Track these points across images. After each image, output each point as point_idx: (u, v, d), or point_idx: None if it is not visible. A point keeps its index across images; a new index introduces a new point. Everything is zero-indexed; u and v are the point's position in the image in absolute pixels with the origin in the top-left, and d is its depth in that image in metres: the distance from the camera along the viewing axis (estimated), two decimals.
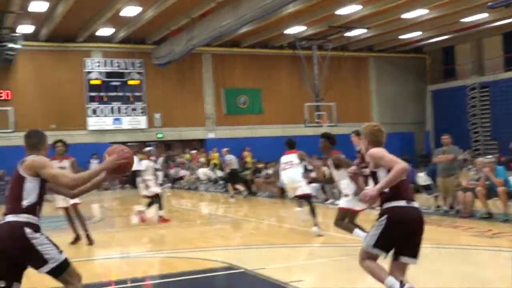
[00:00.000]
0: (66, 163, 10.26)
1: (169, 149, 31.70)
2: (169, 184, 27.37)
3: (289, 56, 31.83)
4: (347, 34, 29.68)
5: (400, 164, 4.73)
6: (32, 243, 4.48)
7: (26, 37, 26.86)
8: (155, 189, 13.75)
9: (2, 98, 27.48)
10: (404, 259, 4.84)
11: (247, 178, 21.80)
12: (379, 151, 4.92)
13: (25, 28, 26.46)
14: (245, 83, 32.26)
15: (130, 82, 30.24)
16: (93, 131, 29.40)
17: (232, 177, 20.61)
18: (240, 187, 20.47)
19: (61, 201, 10.47)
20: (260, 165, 23.50)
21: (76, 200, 10.21)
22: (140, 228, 13.21)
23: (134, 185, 27.61)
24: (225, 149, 21.46)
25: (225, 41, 29.89)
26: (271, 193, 19.58)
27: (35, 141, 4.90)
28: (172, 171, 28.31)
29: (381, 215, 4.85)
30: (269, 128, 31.76)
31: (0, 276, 4.49)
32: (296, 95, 32.25)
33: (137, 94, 30.33)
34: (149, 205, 13.84)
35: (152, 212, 14.08)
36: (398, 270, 4.86)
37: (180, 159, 29.56)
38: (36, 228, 4.58)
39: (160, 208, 13.64)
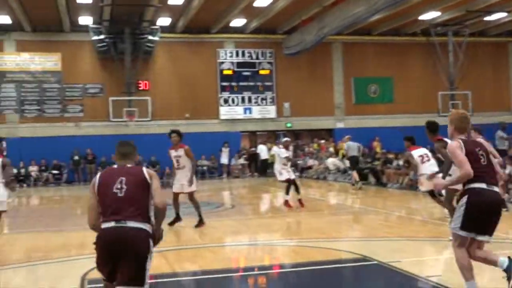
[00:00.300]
0: (181, 151, 10.95)
1: (298, 138, 31.86)
2: (297, 174, 27.50)
3: (422, 43, 30.75)
4: (486, 18, 28.14)
5: (464, 170, 5.07)
6: (147, 258, 4.34)
7: (164, 29, 28.18)
8: (287, 175, 14.03)
9: (141, 88, 28.98)
10: (481, 237, 5.21)
11: (377, 168, 21.45)
12: (455, 150, 5.16)
13: (163, 21, 27.75)
14: (376, 71, 31.60)
15: (261, 72, 30.71)
16: (224, 120, 30.23)
17: (352, 164, 20.50)
18: (355, 175, 20.00)
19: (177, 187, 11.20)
20: (390, 156, 22.97)
21: (193, 188, 10.99)
22: (269, 216, 13.46)
23: (263, 174, 28.23)
24: (346, 136, 21.39)
25: (356, 29, 29.40)
26: (402, 184, 19.13)
27: (128, 151, 4.87)
28: (300, 161, 28.46)
29: (461, 195, 5.21)
30: (399, 118, 30.92)
31: (113, 278, 4.37)
32: (429, 84, 31.12)
33: (267, 83, 30.74)
34: (287, 191, 13.98)
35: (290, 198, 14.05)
36: (474, 246, 5.26)
37: (308, 149, 29.61)
38: None
39: (287, 193, 13.97)
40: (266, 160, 27.57)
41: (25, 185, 23.87)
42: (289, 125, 31.04)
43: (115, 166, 4.88)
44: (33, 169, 27.46)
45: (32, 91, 28.29)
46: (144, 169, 4.70)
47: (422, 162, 10.82)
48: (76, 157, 27.96)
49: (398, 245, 8.86)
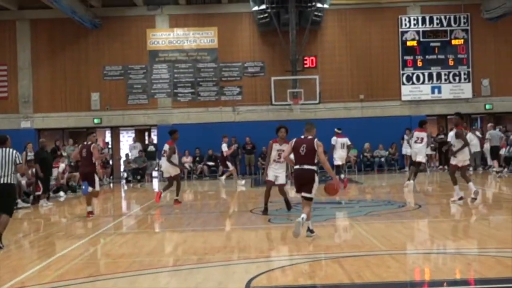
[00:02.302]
0: (284, 146, 13.07)
1: (500, 122, 30.44)
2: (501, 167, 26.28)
3: None
4: None
5: None
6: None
7: None
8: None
9: (307, 66, 29.32)
10: None
11: None
12: None
13: None
14: None
15: (453, 42, 29.75)
16: (407, 102, 29.73)
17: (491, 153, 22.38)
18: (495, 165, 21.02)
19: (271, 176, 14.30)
20: None
21: (283, 181, 14.27)
22: (464, 218, 13.03)
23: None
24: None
25: None
26: None
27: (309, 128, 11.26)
28: (503, 151, 27.07)
29: None
30: None
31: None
32: None
33: (460, 56, 29.72)
34: None
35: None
36: None
37: None
38: None
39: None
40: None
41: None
42: (489, 106, 29.75)
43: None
44: (187, 160, 28.90)
45: (186, 72, 29.82)
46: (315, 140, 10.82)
47: None
48: (234, 147, 28.98)
49: None
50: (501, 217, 12.90)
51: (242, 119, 29.49)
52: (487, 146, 26.44)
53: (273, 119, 28.70)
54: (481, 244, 9.98)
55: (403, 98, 29.74)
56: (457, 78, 29.72)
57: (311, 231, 10.52)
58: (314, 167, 10.62)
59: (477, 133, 26.76)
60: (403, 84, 29.70)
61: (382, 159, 29.15)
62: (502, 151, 26.12)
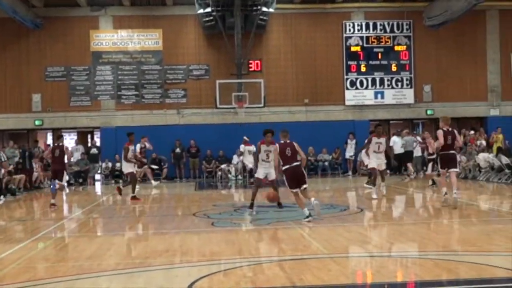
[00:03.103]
0: (272, 148, 14.66)
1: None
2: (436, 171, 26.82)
3: None
4: None
5: None
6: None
7: None
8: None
9: (252, 69, 29.38)
10: None
11: None
12: None
13: None
14: None
15: (396, 48, 30.27)
16: (351, 107, 30.11)
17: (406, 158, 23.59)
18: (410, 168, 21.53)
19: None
20: None
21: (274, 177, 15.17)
22: (405, 222, 13.27)
23: (397, 171, 27.78)
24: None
25: None
26: None
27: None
28: None
29: None
30: None
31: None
32: None
33: (403, 62, 30.27)
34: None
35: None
36: None
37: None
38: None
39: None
40: (400, 154, 27.01)
41: (121, 181, 25.02)
42: (430, 112, 30.36)
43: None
44: None
45: (130, 74, 29.57)
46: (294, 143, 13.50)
47: None
48: (178, 150, 28.90)
49: None
50: (438, 221, 13.18)
51: (187, 122, 29.41)
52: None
53: (217, 122, 28.79)
54: (421, 247, 10.16)
55: (347, 102, 30.10)
56: (399, 84, 30.24)
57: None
58: (299, 163, 13.43)
59: (418, 138, 27.17)
60: (347, 89, 30.07)
61: (326, 163, 29.45)
62: None
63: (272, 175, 15.18)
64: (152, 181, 23.21)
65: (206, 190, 24.72)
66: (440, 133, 14.95)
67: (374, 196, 17.56)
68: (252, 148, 24.43)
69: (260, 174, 15.29)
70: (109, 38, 29.59)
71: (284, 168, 13.35)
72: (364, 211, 15.18)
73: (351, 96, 30.12)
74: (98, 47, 29.51)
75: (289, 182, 13.31)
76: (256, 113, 28.89)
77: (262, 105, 28.38)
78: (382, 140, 18.25)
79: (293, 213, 14.72)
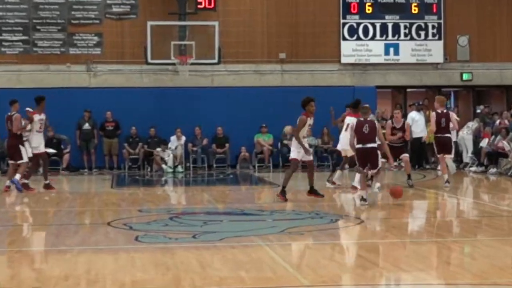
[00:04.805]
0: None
1: (482, 101, 31.33)
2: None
3: None
4: None
5: None
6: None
7: None
8: None
9: (202, 7, 29.16)
10: None
11: None
12: None
13: None
14: None
15: None
16: (349, 66, 30.16)
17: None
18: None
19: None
20: None
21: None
22: (425, 239, 13.35)
23: (419, 162, 27.95)
24: None
25: None
26: None
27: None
28: (484, 143, 27.77)
29: None
30: None
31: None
32: None
33: (428, 1, 30.34)
34: None
35: None
36: None
37: (502, 121, 28.95)
38: None
39: None
40: (420, 139, 27.06)
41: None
42: (466, 76, 30.53)
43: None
44: None
45: (15, 10, 29.23)
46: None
47: None
48: (87, 126, 28.69)
49: None
50: (475, 239, 13.23)
51: (101, 83, 29.23)
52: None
53: (148, 86, 28.67)
54: (451, 277, 10.21)
55: (344, 60, 30.15)
56: (422, 34, 30.34)
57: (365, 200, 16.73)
58: (375, 145, 17.16)
59: (453, 115, 27.08)
60: (344, 39, 30.09)
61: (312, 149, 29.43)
62: (483, 143, 26.79)
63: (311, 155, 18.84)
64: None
65: (129, 187, 24.61)
66: (433, 116, 20.09)
67: (376, 190, 19.17)
68: None
69: (297, 154, 18.38)
70: None
71: (358, 146, 17.18)
72: (366, 222, 15.22)
73: (350, 51, 30.16)
74: None
75: (362, 160, 17.23)
76: (208, 73, 28.80)
77: (216, 60, 28.25)
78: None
79: (259, 224, 14.72)
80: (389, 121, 21.98)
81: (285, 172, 19.85)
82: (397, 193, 17.31)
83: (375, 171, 17.25)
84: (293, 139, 18.89)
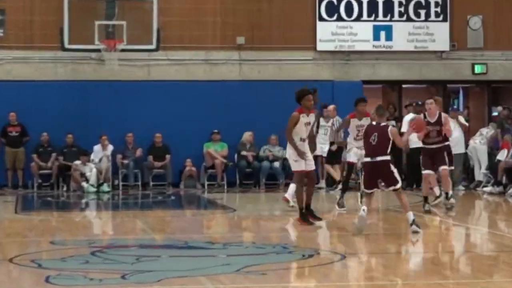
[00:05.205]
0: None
1: (498, 98, 31.64)
2: None
3: None
4: None
5: None
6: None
7: None
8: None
9: None
10: None
11: None
12: None
13: None
14: None
15: None
16: (327, 54, 30.35)
17: None
18: None
19: None
20: None
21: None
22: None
23: (411, 172, 28.17)
24: None
25: None
26: None
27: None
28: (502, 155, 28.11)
29: None
30: None
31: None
32: None
33: None
34: None
35: None
36: None
37: None
38: None
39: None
40: (419, 150, 27.29)
41: None
42: (479, 69, 30.76)
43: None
44: None
45: None
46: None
47: None
48: None
49: None
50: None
51: (3, 76, 29.15)
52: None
53: (65, 79, 28.62)
54: None
55: (320, 47, 30.29)
56: (422, 13, 30.52)
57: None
58: (388, 157, 17.62)
59: (460, 118, 27.21)
60: (321, 19, 30.21)
61: (276, 164, 29.40)
62: (501, 155, 26.99)
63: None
64: None
65: (38, 212, 24.56)
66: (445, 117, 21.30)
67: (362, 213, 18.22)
68: None
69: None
70: None
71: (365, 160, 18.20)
72: (348, 258, 15.28)
73: (329, 35, 30.29)
74: None
75: (370, 177, 17.92)
76: (143, 62, 28.85)
77: (153, 46, 28.30)
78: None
79: (208, 261, 14.75)
80: (419, 116, 22.06)
81: (295, 192, 20.57)
82: (420, 126, 19.68)
83: (395, 187, 17.56)
84: (287, 145, 19.39)
